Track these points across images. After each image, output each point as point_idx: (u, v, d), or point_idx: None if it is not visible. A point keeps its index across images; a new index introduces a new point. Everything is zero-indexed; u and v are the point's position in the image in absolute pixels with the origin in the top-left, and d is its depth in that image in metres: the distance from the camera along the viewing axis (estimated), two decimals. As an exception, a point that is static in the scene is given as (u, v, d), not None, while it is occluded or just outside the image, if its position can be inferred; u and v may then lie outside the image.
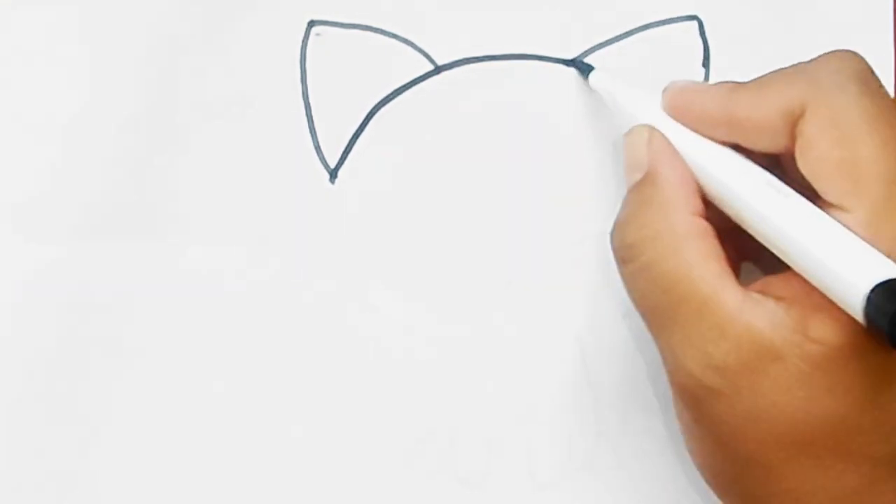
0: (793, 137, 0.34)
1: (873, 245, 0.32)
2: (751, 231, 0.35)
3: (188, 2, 0.41)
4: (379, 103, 0.41)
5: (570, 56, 0.41)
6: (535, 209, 0.41)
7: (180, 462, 0.40)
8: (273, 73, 0.41)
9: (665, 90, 0.37)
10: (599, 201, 0.41)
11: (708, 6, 0.41)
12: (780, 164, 0.35)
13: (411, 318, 0.41)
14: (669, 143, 0.36)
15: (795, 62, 0.36)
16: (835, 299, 0.32)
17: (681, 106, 0.37)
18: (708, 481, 0.37)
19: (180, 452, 0.40)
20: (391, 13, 0.41)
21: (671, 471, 0.41)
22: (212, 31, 0.41)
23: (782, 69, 0.36)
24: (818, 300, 0.33)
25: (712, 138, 0.36)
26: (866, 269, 0.31)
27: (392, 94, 0.41)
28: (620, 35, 0.41)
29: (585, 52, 0.41)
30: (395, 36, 0.41)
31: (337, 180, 0.41)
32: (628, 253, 0.36)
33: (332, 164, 0.41)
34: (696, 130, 0.36)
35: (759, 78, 0.36)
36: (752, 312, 0.33)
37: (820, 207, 0.33)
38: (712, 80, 0.41)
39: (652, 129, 0.37)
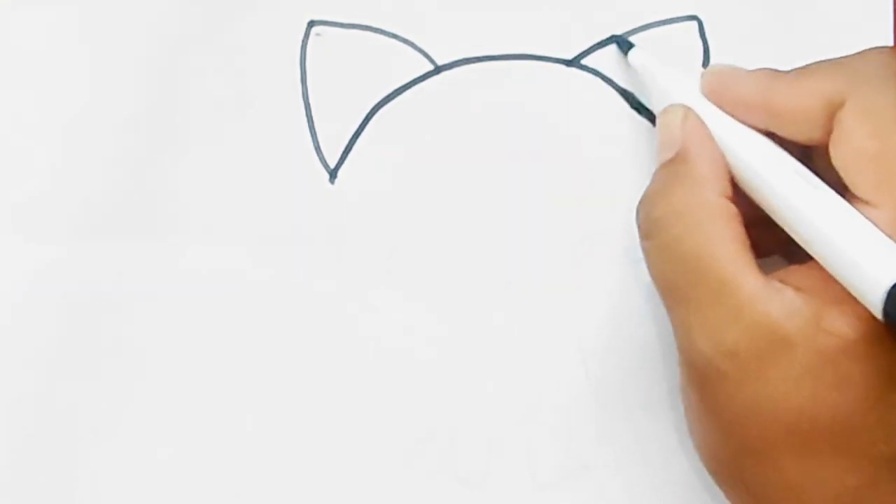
0: (829, 128, 0.34)
1: None
2: (776, 218, 0.35)
3: (188, 2, 0.41)
4: (379, 103, 0.41)
5: (569, 56, 0.41)
6: (535, 209, 0.41)
7: (180, 462, 0.40)
8: (273, 73, 0.41)
9: (704, 73, 0.37)
10: (599, 201, 0.41)
11: (708, 6, 0.41)
12: (812, 158, 0.35)
13: (411, 318, 0.41)
14: (704, 124, 0.36)
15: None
16: (854, 292, 0.32)
17: (719, 89, 0.37)
18: (707, 466, 0.37)
19: (180, 452, 0.40)
20: (391, 13, 0.41)
21: (671, 471, 0.40)
22: (212, 31, 0.41)
23: (823, 61, 0.36)
24: (837, 293, 0.33)
25: (747, 124, 0.36)
26: (888, 264, 0.31)
27: (392, 94, 0.41)
28: (620, 35, 0.41)
29: (585, 51, 0.41)
30: (395, 36, 0.41)
31: (337, 180, 0.41)
32: (653, 227, 0.36)
33: (332, 164, 0.41)
34: (732, 115, 0.36)
35: (799, 67, 0.36)
36: (770, 299, 0.33)
37: (848, 201, 0.34)
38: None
39: (688, 108, 0.37)
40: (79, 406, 0.40)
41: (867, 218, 0.33)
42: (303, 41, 0.41)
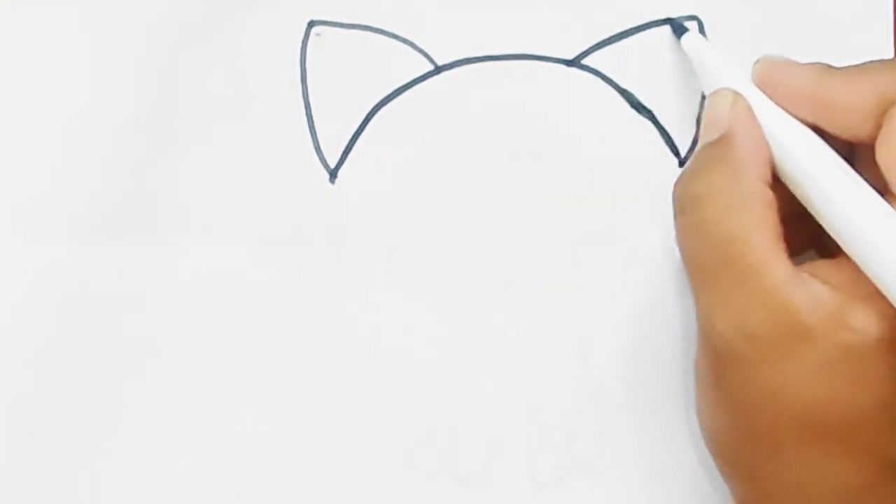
0: (878, 126, 0.34)
1: None
2: (813, 210, 0.35)
3: (188, 2, 0.41)
4: (379, 103, 0.41)
5: (570, 56, 0.41)
6: (535, 209, 0.41)
7: (180, 461, 0.40)
8: (273, 73, 0.41)
9: (756, 62, 0.37)
10: (599, 201, 0.41)
11: (708, 6, 0.41)
12: (856, 159, 0.36)
13: (411, 318, 0.41)
14: (751, 111, 0.36)
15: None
16: (884, 290, 0.33)
17: (770, 79, 0.37)
18: (711, 450, 0.37)
19: (180, 452, 0.40)
20: (391, 13, 0.41)
21: (672, 471, 0.40)
22: (212, 31, 0.41)
23: (877, 60, 0.36)
24: (863, 290, 0.33)
25: (796, 116, 0.36)
26: None
27: (392, 94, 0.41)
28: (620, 35, 0.41)
29: (585, 51, 0.41)
30: (395, 36, 0.41)
31: (337, 180, 0.41)
32: (689, 204, 0.36)
33: (332, 164, 0.41)
34: (781, 105, 0.36)
35: (853, 65, 0.36)
36: (796, 290, 0.33)
37: (888, 202, 0.34)
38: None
39: (738, 94, 0.37)
40: (79, 406, 0.40)
41: None
42: (303, 41, 0.41)
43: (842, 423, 0.33)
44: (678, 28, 0.40)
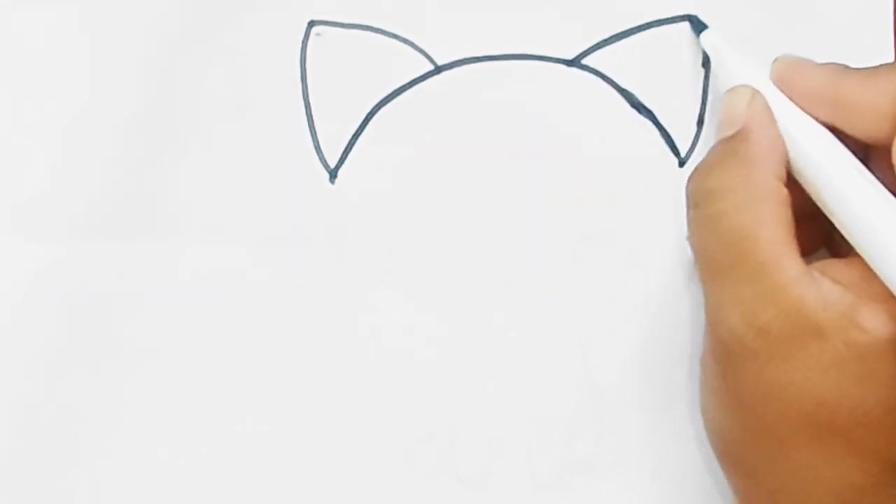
0: (894, 126, 0.34)
1: None
2: (826, 209, 0.35)
3: (188, 2, 0.41)
4: (379, 103, 0.41)
5: (570, 56, 0.41)
6: (535, 209, 0.41)
7: (180, 461, 0.40)
8: (273, 73, 0.41)
9: (775, 60, 0.37)
10: (599, 201, 0.41)
11: (708, 6, 0.41)
12: (871, 160, 0.36)
13: (411, 318, 0.41)
14: (769, 109, 0.36)
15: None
16: (895, 291, 0.33)
17: (789, 78, 0.37)
18: (715, 445, 0.37)
19: (180, 452, 0.40)
20: (391, 13, 0.41)
21: (672, 471, 0.40)
22: (212, 31, 0.41)
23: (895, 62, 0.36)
24: (875, 290, 0.33)
25: (812, 115, 0.36)
26: None
27: (392, 94, 0.41)
28: (620, 35, 0.41)
29: (585, 51, 0.41)
30: (395, 36, 0.41)
31: (337, 180, 0.41)
32: (702, 198, 0.36)
33: (332, 164, 0.41)
34: (798, 104, 0.36)
35: (871, 66, 0.36)
36: (807, 287, 0.34)
37: None
38: (711, 81, 0.41)
39: (756, 91, 0.37)
40: (79, 406, 0.40)
41: None
42: (303, 41, 0.41)
43: (848, 423, 0.33)
44: (697, 25, 0.40)
